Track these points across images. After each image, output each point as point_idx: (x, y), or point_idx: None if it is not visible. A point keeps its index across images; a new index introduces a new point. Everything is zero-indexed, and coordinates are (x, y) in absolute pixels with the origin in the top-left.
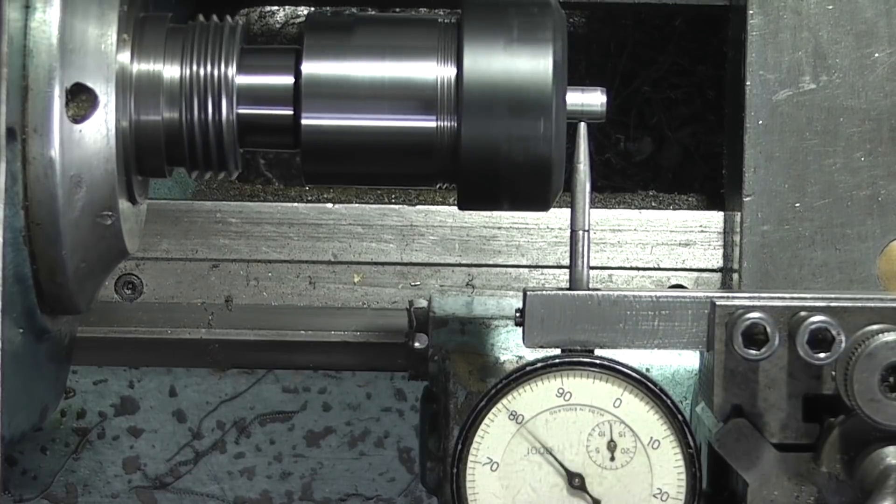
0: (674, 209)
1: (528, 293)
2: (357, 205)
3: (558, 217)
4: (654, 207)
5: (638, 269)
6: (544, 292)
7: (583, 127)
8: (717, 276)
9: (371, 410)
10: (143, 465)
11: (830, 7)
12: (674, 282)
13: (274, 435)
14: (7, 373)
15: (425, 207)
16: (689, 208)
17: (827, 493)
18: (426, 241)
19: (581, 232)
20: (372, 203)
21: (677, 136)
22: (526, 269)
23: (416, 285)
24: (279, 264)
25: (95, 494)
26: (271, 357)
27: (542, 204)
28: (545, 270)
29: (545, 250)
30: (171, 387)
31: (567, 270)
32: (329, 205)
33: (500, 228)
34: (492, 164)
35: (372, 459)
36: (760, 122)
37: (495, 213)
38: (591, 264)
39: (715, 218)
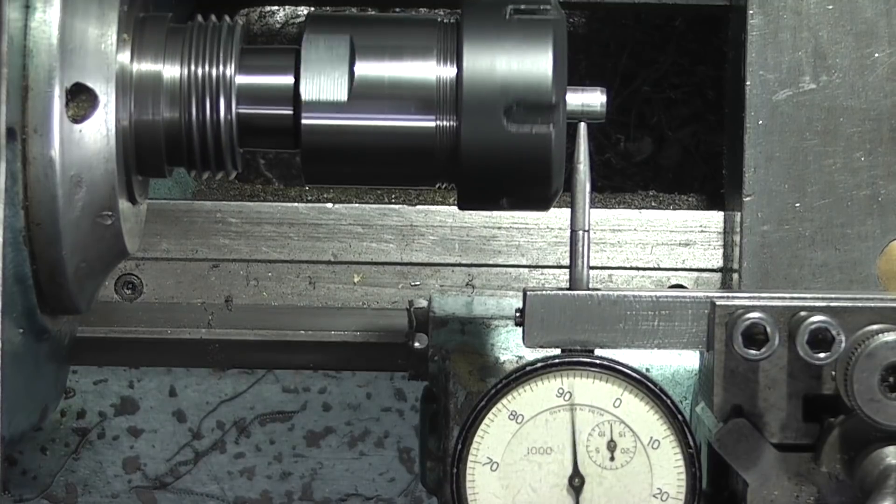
0: (674, 209)
1: (528, 293)
2: (357, 205)
3: (558, 217)
4: (654, 207)
5: (638, 269)
6: (544, 292)
7: (583, 127)
8: (718, 276)
9: (371, 410)
10: (143, 465)
11: (830, 7)
12: (674, 282)
13: (274, 435)
14: (7, 373)
15: (425, 207)
16: (689, 208)
17: (827, 493)
18: (426, 241)
19: (581, 232)
20: (372, 203)
21: (677, 136)
22: (526, 269)
23: (416, 285)
24: (279, 264)
25: (95, 494)
26: (271, 357)
27: (542, 204)
28: (545, 270)
29: (545, 250)
30: (171, 387)
31: (567, 270)
32: (329, 205)
33: (500, 228)
34: (492, 164)
35: (372, 459)
36: (760, 122)
37: (495, 213)
38: (591, 264)
39: (715, 218)
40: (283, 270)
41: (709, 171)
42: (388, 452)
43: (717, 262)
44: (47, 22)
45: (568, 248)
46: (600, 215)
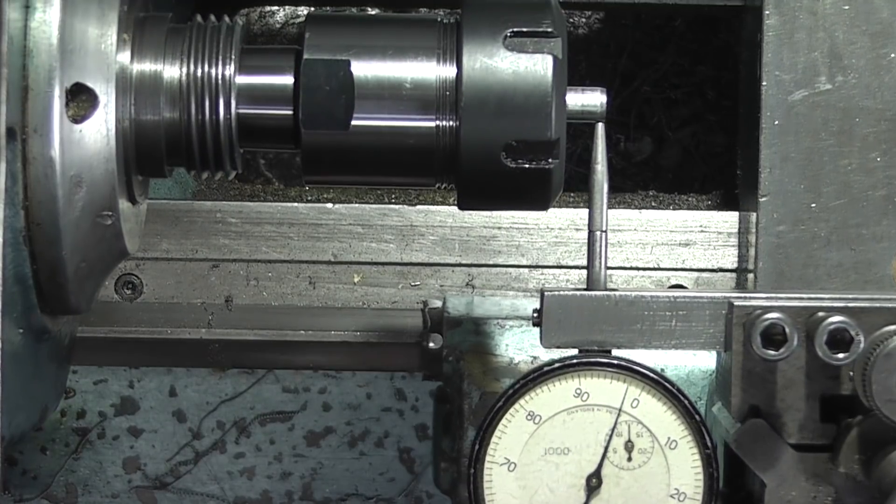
0: (674, 209)
1: (546, 293)
2: (357, 205)
3: (558, 217)
4: (653, 207)
5: (638, 269)
6: (562, 293)
7: (600, 127)
8: (718, 275)
9: (371, 410)
10: (143, 465)
11: (846, 7)
12: (674, 282)
13: (274, 435)
14: (7, 373)
15: (425, 207)
16: (688, 208)
17: (844, 494)
18: (426, 241)
19: (598, 232)
20: (372, 203)
21: (677, 136)
22: (526, 269)
23: (416, 285)
24: (279, 264)
25: (95, 494)
26: (271, 357)
27: (541, 204)
28: (545, 270)
29: (545, 250)
30: (171, 387)
31: (567, 270)
32: (329, 205)
33: (500, 228)
34: (492, 164)
35: (372, 459)
36: (776, 122)
37: (495, 213)
38: None
39: (715, 218)
40: (283, 270)
41: (709, 171)
42: (388, 452)
43: (717, 262)
44: (47, 22)
45: (565, 247)
46: None
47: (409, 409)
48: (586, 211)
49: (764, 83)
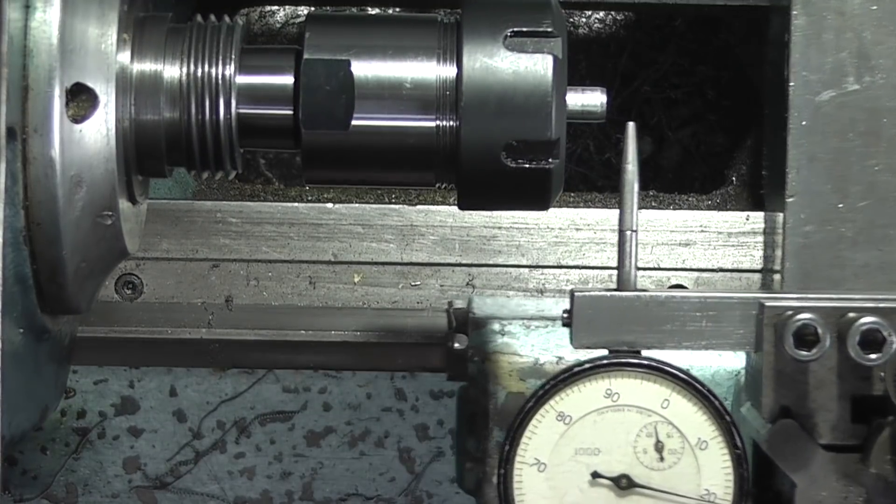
0: (674, 209)
1: (576, 294)
2: (357, 205)
3: (558, 217)
4: (654, 207)
5: (638, 269)
6: (592, 293)
7: (631, 127)
8: (718, 275)
9: (371, 410)
10: (143, 465)
11: (874, 7)
12: (674, 282)
13: (274, 435)
14: (7, 373)
15: (425, 207)
16: (688, 208)
17: (875, 495)
18: (426, 241)
19: (629, 232)
20: (372, 203)
21: (677, 136)
22: (526, 269)
23: (416, 285)
24: (279, 264)
25: (95, 494)
26: (271, 357)
27: (541, 204)
28: (545, 270)
29: (545, 250)
30: (171, 387)
31: (567, 270)
32: (329, 205)
33: (500, 228)
34: (492, 163)
35: (372, 459)
36: (803, 122)
37: (495, 213)
38: (591, 264)
39: (715, 217)
40: (284, 270)
41: (709, 171)
42: (388, 452)
43: (717, 262)
44: (47, 22)
45: (566, 247)
46: (601, 215)
47: (409, 409)
48: (586, 211)
49: (791, 83)
